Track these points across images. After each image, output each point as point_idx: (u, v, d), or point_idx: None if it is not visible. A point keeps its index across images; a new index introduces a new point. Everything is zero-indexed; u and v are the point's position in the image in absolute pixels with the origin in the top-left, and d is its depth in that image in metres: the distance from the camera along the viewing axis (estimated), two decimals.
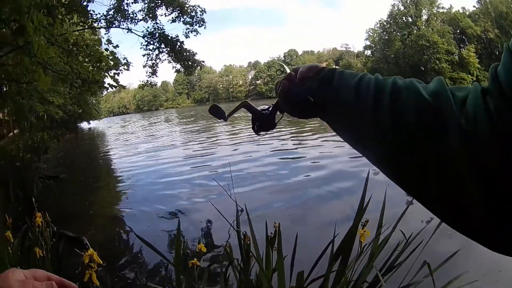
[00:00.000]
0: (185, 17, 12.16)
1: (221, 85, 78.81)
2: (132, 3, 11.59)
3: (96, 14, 10.96)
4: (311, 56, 77.58)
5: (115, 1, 11.36)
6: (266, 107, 0.68)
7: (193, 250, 2.87)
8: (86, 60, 7.73)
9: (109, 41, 9.22)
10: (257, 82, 75.98)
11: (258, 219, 2.00)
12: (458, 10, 66.48)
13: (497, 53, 64.48)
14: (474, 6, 65.95)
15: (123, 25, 11.78)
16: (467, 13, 66.20)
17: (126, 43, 12.49)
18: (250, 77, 78.57)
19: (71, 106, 21.50)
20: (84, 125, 36.81)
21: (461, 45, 63.54)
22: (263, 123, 0.66)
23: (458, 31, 63.94)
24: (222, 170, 6.98)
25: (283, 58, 76.35)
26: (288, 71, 0.65)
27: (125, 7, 11.54)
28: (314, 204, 4.88)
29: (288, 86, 0.57)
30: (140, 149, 12.64)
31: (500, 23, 62.19)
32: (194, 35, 12.51)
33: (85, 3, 9.29)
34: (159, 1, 11.80)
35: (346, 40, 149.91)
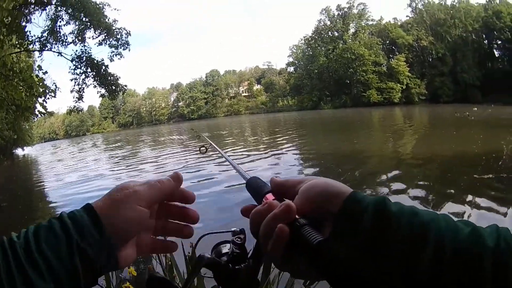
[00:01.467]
0: (111, 39, 12.66)
1: (144, 109, 78.02)
2: (64, 25, 12.08)
3: (32, 36, 11.42)
4: (233, 75, 76.78)
5: (49, 23, 11.79)
6: (227, 250, 0.47)
7: (124, 274, 3.16)
8: (21, 84, 7.96)
9: (39, 67, 9.92)
10: (179, 104, 75.44)
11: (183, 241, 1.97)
12: (389, 21, 67.19)
13: (430, 59, 62.42)
14: (407, 16, 66.96)
15: (54, 48, 12.14)
16: (399, 23, 67.03)
17: (56, 66, 12.99)
18: (172, 99, 78.24)
19: (7, 132, 21.19)
20: (19, 151, 36.65)
21: (391, 55, 63.78)
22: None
23: (387, 41, 64.37)
24: None
25: (205, 79, 75.78)
26: (270, 199, 0.42)
27: (58, 29, 12.00)
28: (234, 217, 4.95)
29: (290, 237, 0.38)
30: (71, 178, 12.52)
31: (436, 30, 62.56)
32: (119, 59, 12.99)
33: (23, 23, 9.87)
34: (88, 23, 12.28)
35: (268, 58, 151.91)
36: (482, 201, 5.04)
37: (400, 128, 18.71)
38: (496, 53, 59.30)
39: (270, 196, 0.44)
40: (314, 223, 0.37)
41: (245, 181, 0.51)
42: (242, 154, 11.73)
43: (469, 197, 5.32)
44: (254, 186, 0.49)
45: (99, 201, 0.41)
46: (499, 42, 56.95)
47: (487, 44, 59.71)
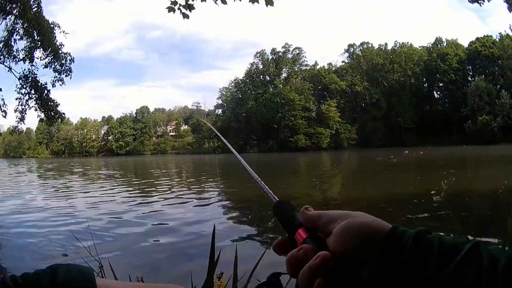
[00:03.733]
0: (56, 63, 12.48)
1: (76, 139, 77.05)
2: (19, 39, 11.98)
3: None
4: (162, 113, 76.92)
5: (6, 34, 11.69)
6: None
7: None
8: None
9: None
10: (109, 138, 74.39)
11: (122, 275, 2.03)
12: (323, 66, 67.65)
13: (363, 105, 58.76)
14: (343, 62, 68.11)
15: (6, 62, 11.99)
16: (334, 68, 68.29)
17: (4, 83, 11.31)
18: (102, 132, 77.08)
19: None
20: None
21: (322, 101, 64.48)
22: None
23: (320, 87, 65.37)
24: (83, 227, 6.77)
25: (134, 115, 74.92)
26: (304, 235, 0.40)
27: (12, 43, 11.87)
28: (173, 257, 5.08)
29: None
30: (5, 204, 10.95)
31: (372, 75, 63.58)
32: (60, 85, 12.70)
33: None
34: (39, 43, 12.17)
35: (199, 99, 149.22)
36: None
37: (328, 172, 18.81)
38: (436, 95, 55.21)
39: (302, 232, 0.41)
40: (352, 267, 0.37)
41: (272, 203, 0.48)
42: (172, 197, 11.27)
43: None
44: (282, 213, 0.46)
45: None
46: (441, 84, 53.22)
47: (427, 87, 55.76)
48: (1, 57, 11.88)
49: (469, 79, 54.85)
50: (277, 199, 0.49)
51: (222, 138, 0.81)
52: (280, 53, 63.17)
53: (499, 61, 50.68)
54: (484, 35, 53.71)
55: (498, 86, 48.07)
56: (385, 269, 0.35)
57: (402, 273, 0.34)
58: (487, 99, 47.34)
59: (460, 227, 5.40)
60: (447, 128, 52.33)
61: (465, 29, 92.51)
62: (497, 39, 51.39)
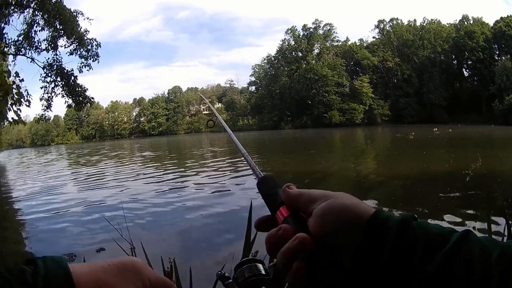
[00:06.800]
0: (82, 50, 12.53)
1: (107, 122, 75.56)
2: (39, 31, 12.03)
3: (9, 39, 11.60)
4: (194, 92, 75.32)
5: (25, 27, 11.78)
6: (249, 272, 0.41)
7: None
8: None
9: (17, 74, 9.76)
10: (141, 119, 73.63)
11: (154, 256, 1.92)
12: (355, 42, 66.67)
13: (395, 81, 58.18)
14: (373, 37, 67.08)
15: (28, 53, 12.04)
16: (365, 44, 67.29)
17: (27, 73, 12.35)
18: (134, 114, 76.36)
19: None
20: None
21: (355, 76, 57.84)
22: None
23: (352, 62, 64.36)
24: (115, 211, 6.72)
25: (167, 95, 73.94)
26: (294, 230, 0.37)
27: (33, 34, 11.96)
28: (208, 237, 5.09)
29: (308, 268, 0.35)
30: (39, 190, 11.26)
31: (403, 51, 62.60)
32: (88, 70, 12.81)
33: (2, 25, 10.46)
34: (62, 31, 12.23)
35: (232, 76, 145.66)
36: (449, 218, 4.97)
37: (363, 149, 19.01)
38: (466, 73, 54.40)
39: (284, 210, 0.40)
40: (332, 252, 0.34)
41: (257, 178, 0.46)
42: (206, 176, 11.19)
43: (437, 215, 5.24)
44: (266, 189, 0.44)
45: (84, 274, 0.35)
46: (469, 62, 52.56)
47: (457, 64, 55.05)
48: (22, 49, 11.77)
49: (496, 58, 52.51)
50: (263, 174, 0.46)
51: (218, 115, 0.86)
52: (311, 29, 62.38)
53: None
54: (508, 15, 52.14)
55: None
56: (366, 257, 0.33)
57: (385, 263, 0.32)
58: None
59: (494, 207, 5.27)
60: (477, 106, 50.54)
61: (490, 7, 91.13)
62: None
